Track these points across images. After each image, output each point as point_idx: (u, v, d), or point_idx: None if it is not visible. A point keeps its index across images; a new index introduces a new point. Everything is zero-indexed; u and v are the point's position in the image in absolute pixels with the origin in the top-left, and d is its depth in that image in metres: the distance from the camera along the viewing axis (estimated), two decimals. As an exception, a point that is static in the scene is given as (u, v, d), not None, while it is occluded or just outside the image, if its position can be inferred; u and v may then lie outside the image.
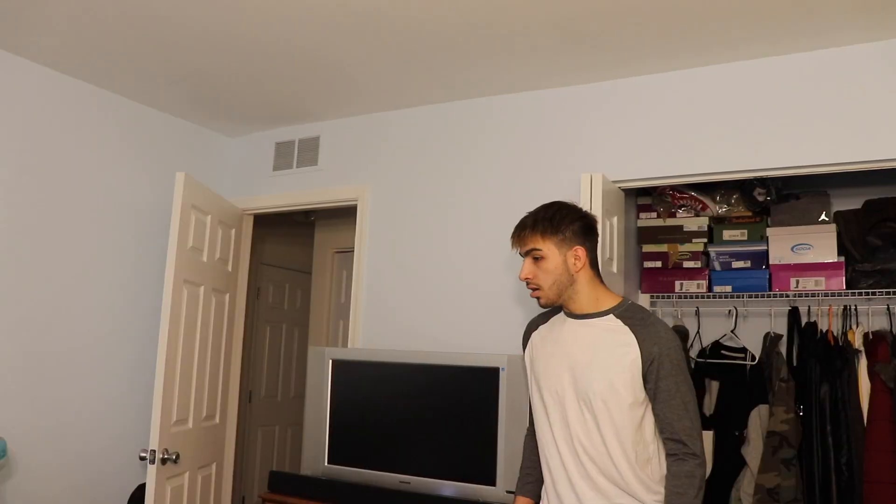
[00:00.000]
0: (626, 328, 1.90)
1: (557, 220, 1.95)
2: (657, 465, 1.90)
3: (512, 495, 2.77)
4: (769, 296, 3.37)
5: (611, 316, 1.95)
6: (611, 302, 1.98)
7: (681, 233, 3.57)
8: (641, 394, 1.87)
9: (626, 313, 1.94)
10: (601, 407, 1.88)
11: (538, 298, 1.99)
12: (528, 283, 1.99)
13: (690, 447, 1.83)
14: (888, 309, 3.19)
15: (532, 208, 3.14)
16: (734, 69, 2.87)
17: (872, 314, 3.25)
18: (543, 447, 2.01)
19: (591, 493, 1.89)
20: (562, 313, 2.05)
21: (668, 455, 1.87)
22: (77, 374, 3.26)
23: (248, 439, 5.04)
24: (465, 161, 3.37)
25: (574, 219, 1.97)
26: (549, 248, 1.94)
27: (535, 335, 2.12)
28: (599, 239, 2.07)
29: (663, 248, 3.60)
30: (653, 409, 1.88)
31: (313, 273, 5.28)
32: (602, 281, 2.03)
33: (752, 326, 3.46)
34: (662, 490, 1.87)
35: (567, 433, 1.93)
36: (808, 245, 3.31)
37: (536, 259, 1.95)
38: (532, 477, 2.15)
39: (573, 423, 1.92)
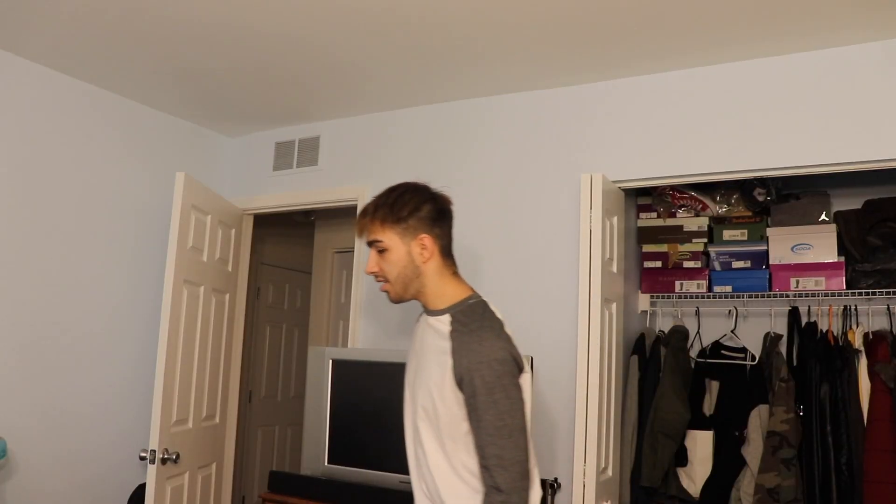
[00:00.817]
0: (449, 333, 1.68)
1: (399, 206, 1.73)
2: None
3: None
4: (769, 296, 3.37)
5: (447, 316, 1.72)
6: (455, 298, 1.74)
7: (681, 233, 3.57)
8: (463, 410, 1.63)
9: (460, 315, 1.70)
10: (423, 419, 1.68)
11: (387, 293, 1.78)
12: (375, 277, 1.78)
13: (495, 478, 1.56)
14: (888, 309, 3.19)
15: (533, 208, 3.17)
16: (734, 69, 2.87)
17: (872, 314, 3.25)
18: None
19: None
20: None
21: None
22: (77, 375, 3.26)
23: (248, 439, 5.04)
24: (465, 161, 3.37)
25: (420, 203, 1.74)
26: (391, 239, 1.72)
27: (415, 328, 1.90)
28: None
29: (663, 248, 3.60)
30: None
31: (313, 273, 5.28)
32: (455, 271, 1.80)
33: (752, 326, 3.46)
34: None
35: (408, 442, 1.77)
36: (808, 245, 3.31)
37: (380, 251, 1.74)
38: None
39: (411, 433, 1.76)
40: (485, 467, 1.59)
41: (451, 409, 1.64)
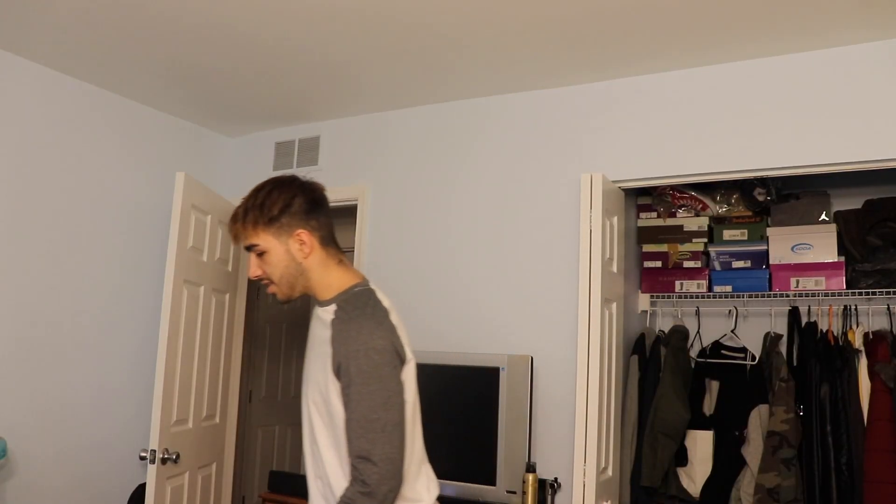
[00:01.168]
0: (331, 322, 1.63)
1: (269, 206, 1.67)
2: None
3: (512, 495, 2.78)
4: (769, 296, 3.37)
5: (332, 305, 1.66)
6: (341, 286, 1.69)
7: (681, 233, 3.57)
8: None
9: (345, 304, 1.65)
10: (314, 413, 1.63)
11: (275, 295, 1.74)
12: (261, 280, 1.73)
13: (361, 472, 1.48)
14: (888, 309, 3.19)
15: (532, 208, 3.17)
16: (734, 69, 2.87)
17: (872, 314, 3.24)
18: None
19: None
20: None
21: None
22: (76, 374, 3.26)
23: (248, 439, 5.03)
24: (466, 161, 3.37)
25: (289, 198, 1.68)
26: (267, 241, 1.67)
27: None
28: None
29: (663, 247, 3.60)
30: None
31: (313, 273, 5.26)
32: (341, 259, 1.75)
33: (752, 326, 3.46)
34: None
35: (305, 439, 1.71)
36: (808, 245, 3.31)
37: (259, 254, 1.69)
38: None
39: (307, 429, 1.68)
40: (352, 464, 1.51)
41: (334, 402, 1.57)
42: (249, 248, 1.71)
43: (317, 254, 1.70)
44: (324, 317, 1.67)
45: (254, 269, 1.72)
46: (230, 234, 1.73)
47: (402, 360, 1.61)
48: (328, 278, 1.70)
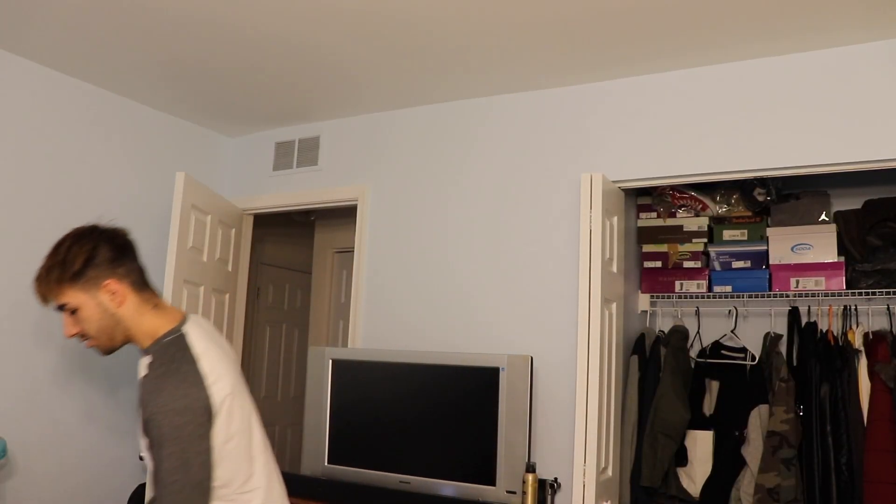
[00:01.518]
0: (142, 379, 1.56)
1: (71, 262, 1.60)
2: None
3: (512, 495, 2.78)
4: (769, 296, 3.37)
5: (148, 356, 1.59)
6: (156, 334, 1.62)
7: (681, 233, 3.57)
8: None
9: (155, 357, 1.58)
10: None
11: (96, 349, 1.66)
12: (80, 338, 1.65)
13: None
14: (888, 309, 3.19)
15: (532, 208, 3.18)
16: (734, 69, 2.87)
17: (872, 314, 3.25)
18: None
19: None
20: None
21: None
22: (77, 375, 3.26)
23: (248, 439, 5.03)
24: (466, 161, 3.37)
25: (91, 250, 1.62)
26: (76, 297, 1.59)
27: None
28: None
29: (663, 248, 3.60)
30: None
31: (313, 273, 5.27)
32: (157, 303, 1.67)
33: (752, 326, 3.46)
34: None
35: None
36: (808, 245, 3.31)
37: (71, 312, 1.61)
38: None
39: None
40: None
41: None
42: (61, 308, 1.63)
43: (130, 301, 1.63)
44: (140, 370, 1.62)
45: (69, 328, 1.63)
46: (37, 295, 1.63)
47: (210, 415, 1.53)
48: (144, 325, 1.63)
